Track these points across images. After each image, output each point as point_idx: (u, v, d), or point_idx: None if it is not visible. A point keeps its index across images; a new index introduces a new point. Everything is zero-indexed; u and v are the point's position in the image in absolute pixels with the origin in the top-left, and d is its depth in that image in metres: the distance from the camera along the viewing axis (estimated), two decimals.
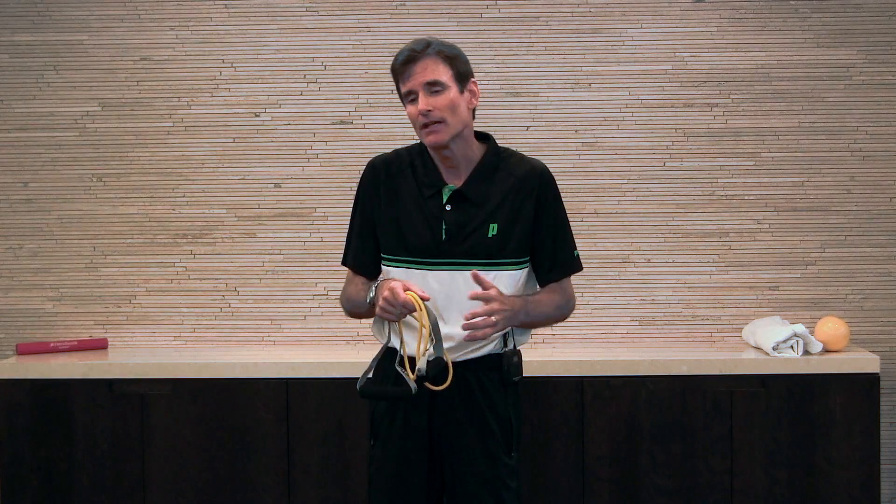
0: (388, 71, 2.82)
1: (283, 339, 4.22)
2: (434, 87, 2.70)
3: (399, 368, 2.70)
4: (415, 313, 2.62)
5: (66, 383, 3.82)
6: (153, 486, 3.81)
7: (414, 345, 2.66)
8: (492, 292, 2.62)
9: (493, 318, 2.61)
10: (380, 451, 2.81)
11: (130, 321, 4.23)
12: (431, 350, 2.64)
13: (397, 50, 2.77)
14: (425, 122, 2.70)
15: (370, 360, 2.81)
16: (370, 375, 2.78)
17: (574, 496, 3.77)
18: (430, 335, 2.62)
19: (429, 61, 2.70)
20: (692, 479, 3.77)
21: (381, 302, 2.62)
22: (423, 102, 2.69)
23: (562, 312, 2.85)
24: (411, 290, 2.61)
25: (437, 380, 2.64)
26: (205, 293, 4.23)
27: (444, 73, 2.71)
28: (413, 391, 2.65)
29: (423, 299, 2.60)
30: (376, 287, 2.71)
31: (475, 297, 2.61)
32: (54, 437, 3.82)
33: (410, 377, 2.65)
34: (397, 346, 2.71)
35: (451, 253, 2.72)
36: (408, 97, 2.73)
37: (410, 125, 2.83)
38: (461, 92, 2.73)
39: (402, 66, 2.72)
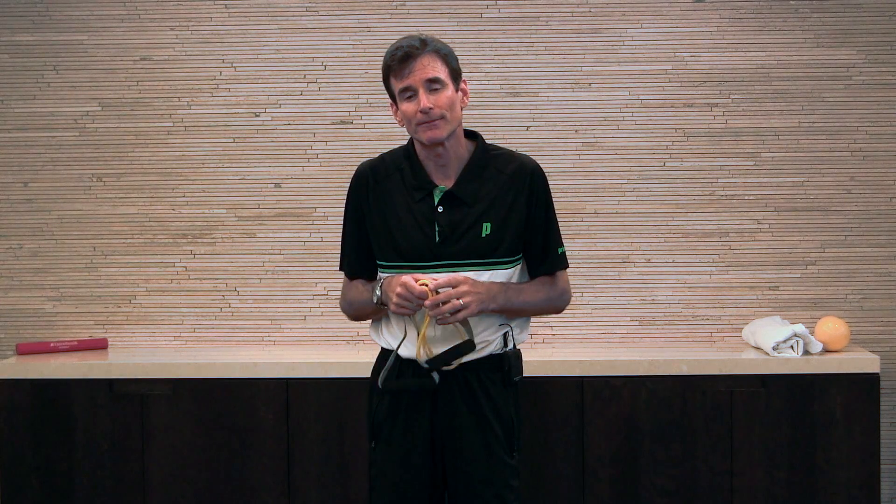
0: None
1: (283, 339, 4.22)
2: (434, 85, 2.68)
3: (422, 362, 2.71)
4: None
5: (66, 383, 3.82)
6: (153, 486, 3.81)
7: (429, 335, 2.69)
8: (458, 276, 2.63)
9: (460, 301, 2.61)
10: (381, 453, 2.80)
11: (130, 321, 4.23)
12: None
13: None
14: (426, 120, 2.68)
15: (379, 358, 2.84)
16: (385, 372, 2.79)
17: (574, 496, 3.77)
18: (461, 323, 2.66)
19: (427, 58, 2.68)
20: (692, 479, 3.77)
21: (395, 299, 2.62)
22: (425, 100, 2.66)
23: (554, 305, 2.83)
24: (422, 280, 2.62)
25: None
26: (205, 293, 4.23)
27: (442, 71, 2.69)
28: (437, 382, 2.68)
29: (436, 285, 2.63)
30: (380, 286, 2.70)
31: (439, 286, 2.62)
32: (54, 437, 3.82)
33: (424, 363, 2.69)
34: (413, 343, 2.72)
35: (445, 255, 2.70)
36: (404, 94, 2.70)
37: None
38: (456, 90, 2.73)
39: (401, 62, 2.68)
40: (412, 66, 2.68)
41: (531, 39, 4.17)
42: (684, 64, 4.16)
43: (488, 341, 2.75)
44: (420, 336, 2.68)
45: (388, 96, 2.80)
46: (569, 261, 2.87)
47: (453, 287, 2.62)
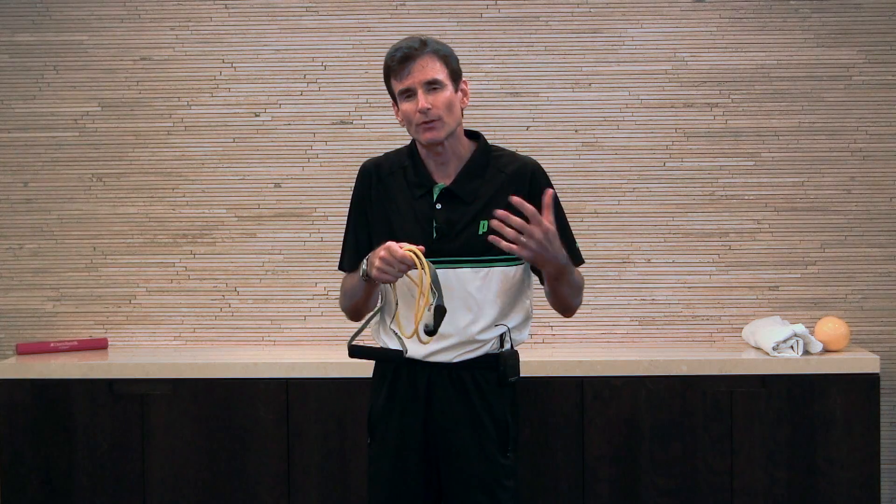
0: None
1: (283, 339, 4.22)
2: (433, 86, 2.70)
3: (393, 328, 2.70)
4: (412, 271, 2.58)
5: (66, 383, 3.82)
6: (153, 486, 3.81)
7: (412, 305, 2.64)
8: (550, 229, 2.49)
9: (524, 240, 2.50)
10: (377, 450, 2.82)
11: (130, 321, 4.23)
12: (433, 302, 2.58)
13: None
14: (424, 120, 2.70)
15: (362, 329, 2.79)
16: (361, 338, 2.77)
17: (574, 496, 3.77)
18: (431, 287, 2.57)
19: (426, 59, 2.70)
20: (692, 479, 3.77)
21: (377, 263, 2.58)
22: (423, 100, 2.69)
23: (578, 298, 2.78)
24: (408, 246, 2.58)
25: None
26: (205, 293, 4.23)
27: (441, 72, 2.71)
28: (405, 352, 2.66)
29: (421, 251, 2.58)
30: (367, 259, 2.68)
31: (517, 203, 2.48)
32: (54, 437, 3.82)
33: (405, 336, 2.65)
34: (390, 311, 2.71)
35: (443, 251, 2.71)
36: (404, 94, 2.73)
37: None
38: (455, 91, 2.74)
39: (400, 63, 2.71)
40: (411, 67, 2.70)
41: (531, 39, 4.17)
42: (684, 64, 4.16)
43: (484, 341, 2.75)
44: (416, 318, 2.60)
45: (389, 97, 2.82)
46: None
47: (531, 219, 2.49)
